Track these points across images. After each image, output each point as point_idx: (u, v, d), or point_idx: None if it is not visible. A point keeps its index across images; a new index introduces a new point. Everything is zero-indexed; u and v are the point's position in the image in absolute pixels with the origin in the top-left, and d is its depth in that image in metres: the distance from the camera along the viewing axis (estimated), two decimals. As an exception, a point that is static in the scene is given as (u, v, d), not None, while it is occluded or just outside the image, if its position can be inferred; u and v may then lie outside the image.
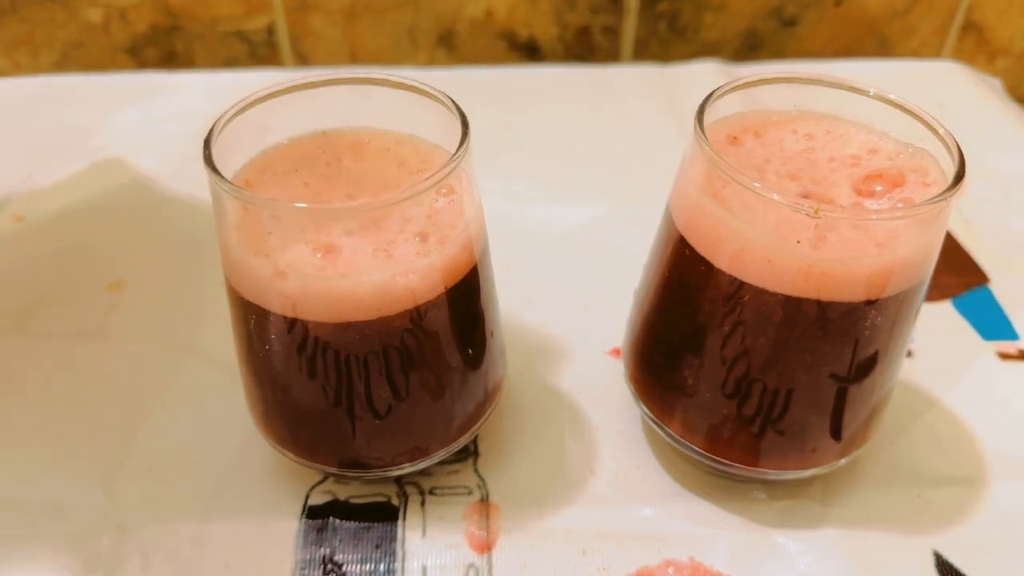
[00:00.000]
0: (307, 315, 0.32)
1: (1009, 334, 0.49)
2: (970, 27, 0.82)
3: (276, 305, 0.32)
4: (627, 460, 0.42)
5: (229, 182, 0.30)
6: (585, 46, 0.83)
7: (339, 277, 0.31)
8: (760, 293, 0.32)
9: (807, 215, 0.30)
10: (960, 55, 0.84)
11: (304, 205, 0.32)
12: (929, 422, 0.44)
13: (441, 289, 0.33)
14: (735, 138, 0.37)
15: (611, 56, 0.83)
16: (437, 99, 0.35)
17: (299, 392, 0.35)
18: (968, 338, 0.49)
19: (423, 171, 0.36)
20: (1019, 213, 0.60)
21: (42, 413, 0.44)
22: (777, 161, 0.36)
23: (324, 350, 0.33)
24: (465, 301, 0.35)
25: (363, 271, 0.31)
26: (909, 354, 0.48)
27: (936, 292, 0.52)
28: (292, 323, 0.32)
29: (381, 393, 0.35)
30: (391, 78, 0.36)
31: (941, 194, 0.31)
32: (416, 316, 0.33)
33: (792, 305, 0.32)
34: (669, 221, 0.36)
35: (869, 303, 0.32)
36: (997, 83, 0.76)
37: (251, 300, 0.33)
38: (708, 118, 0.35)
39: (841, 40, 0.83)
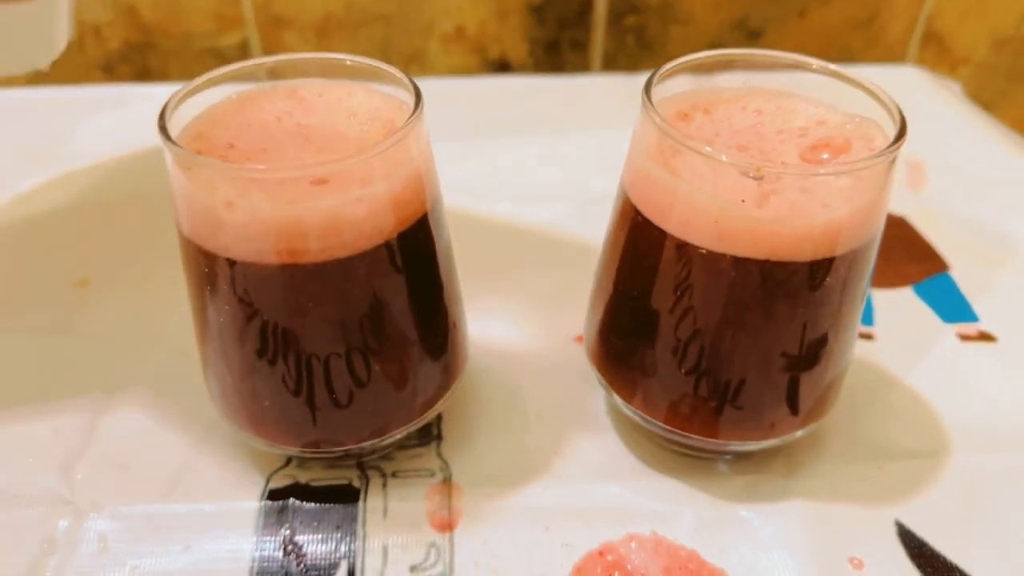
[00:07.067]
0: (255, 253, 0.32)
1: (969, 316, 0.50)
2: (931, 36, 0.84)
3: (224, 241, 0.32)
4: (592, 442, 0.42)
5: (183, 148, 0.31)
6: (555, 60, 0.84)
7: (286, 204, 0.31)
8: (709, 255, 0.33)
9: (751, 176, 0.31)
10: (922, 64, 0.86)
11: (260, 167, 0.32)
12: (891, 399, 0.44)
13: (389, 224, 0.33)
14: (685, 114, 0.37)
15: (580, 70, 0.84)
16: (391, 76, 0.36)
17: (249, 352, 0.35)
18: (929, 321, 0.50)
19: (374, 120, 0.36)
20: (979, 204, 0.61)
21: (4, 406, 0.44)
22: (726, 135, 0.36)
23: (273, 300, 0.33)
24: (418, 253, 0.36)
25: (311, 197, 0.31)
26: (871, 337, 0.48)
27: (897, 279, 0.53)
28: (242, 266, 0.32)
29: (335, 348, 0.34)
30: (349, 62, 0.37)
31: (883, 151, 0.31)
32: (366, 257, 0.33)
33: (741, 266, 0.33)
34: (622, 194, 0.37)
35: (817, 263, 0.33)
36: (957, 87, 0.78)
37: (197, 242, 0.33)
38: (657, 95, 0.36)
39: (806, 51, 0.83)
